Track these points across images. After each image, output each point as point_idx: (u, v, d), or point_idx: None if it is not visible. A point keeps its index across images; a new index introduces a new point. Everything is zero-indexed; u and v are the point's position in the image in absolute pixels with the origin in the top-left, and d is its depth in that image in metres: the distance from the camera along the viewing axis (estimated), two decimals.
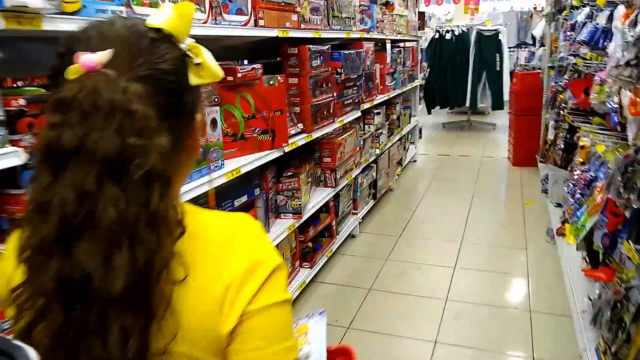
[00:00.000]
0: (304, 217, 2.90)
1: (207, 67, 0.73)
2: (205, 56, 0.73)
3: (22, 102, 1.24)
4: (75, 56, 0.63)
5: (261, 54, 2.85)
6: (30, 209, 0.60)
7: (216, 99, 2.16)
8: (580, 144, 2.87)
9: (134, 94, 0.62)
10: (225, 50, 2.70)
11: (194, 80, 0.72)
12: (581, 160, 2.76)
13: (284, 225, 2.71)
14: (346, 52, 3.42)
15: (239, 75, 2.17)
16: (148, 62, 0.67)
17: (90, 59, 0.63)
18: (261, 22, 2.30)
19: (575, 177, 2.61)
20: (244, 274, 0.68)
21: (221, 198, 2.17)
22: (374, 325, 2.78)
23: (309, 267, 3.13)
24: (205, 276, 0.67)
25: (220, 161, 2.05)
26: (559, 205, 3.85)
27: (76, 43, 0.67)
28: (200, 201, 2.04)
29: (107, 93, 0.60)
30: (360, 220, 4.12)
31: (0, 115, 1.18)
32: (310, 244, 3.18)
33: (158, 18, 0.70)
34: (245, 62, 2.79)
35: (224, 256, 0.69)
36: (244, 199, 2.39)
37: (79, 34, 0.69)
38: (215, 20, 2.00)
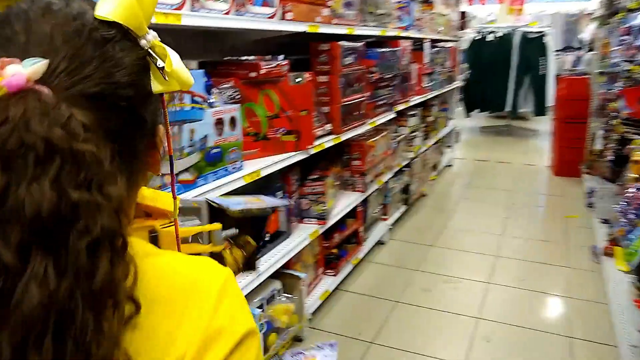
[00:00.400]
0: (329, 223, 2.75)
1: (174, 72, 0.56)
2: (171, 57, 0.56)
3: None
4: None
5: (291, 49, 2.71)
6: None
7: (237, 96, 2.03)
8: (634, 157, 2.62)
9: (81, 127, 0.45)
10: (253, 44, 2.57)
11: (156, 87, 0.56)
12: (635, 175, 2.52)
13: (306, 231, 2.57)
14: (381, 50, 3.25)
15: (263, 71, 2.03)
16: (99, 72, 0.50)
17: (18, 74, 0.44)
18: (289, 16, 2.16)
19: (629, 194, 2.37)
20: (200, 345, 0.51)
21: None
22: (399, 341, 2.60)
23: (333, 275, 2.98)
24: (155, 346, 0.50)
25: (238, 162, 1.91)
26: (605, 221, 3.57)
27: None
28: None
29: (41, 127, 0.43)
30: (390, 227, 3.94)
31: None
32: (335, 251, 3.03)
33: (109, 6, 0.52)
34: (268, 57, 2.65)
35: (177, 321, 0.51)
36: None
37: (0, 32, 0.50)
38: (239, 11, 1.87)
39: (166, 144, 0.65)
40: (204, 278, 0.55)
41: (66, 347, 0.41)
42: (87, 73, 0.49)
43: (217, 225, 1.06)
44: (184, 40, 2.19)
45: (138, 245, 0.51)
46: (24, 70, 0.45)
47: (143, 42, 0.54)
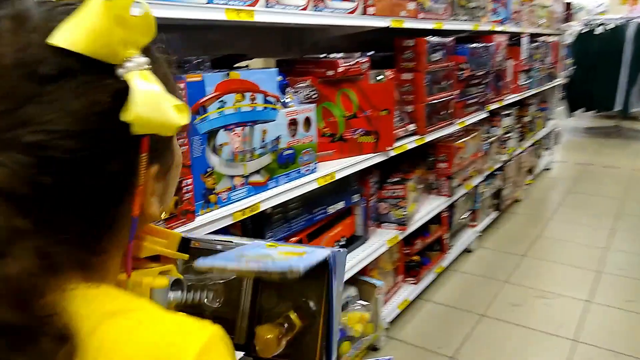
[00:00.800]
0: (410, 229, 2.61)
1: (139, 115, 0.44)
2: (148, 92, 0.44)
3: None
4: None
5: (377, 46, 2.60)
6: None
7: (314, 96, 1.96)
8: None
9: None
10: (336, 41, 2.49)
11: (135, 128, 0.44)
12: None
13: (384, 237, 2.45)
14: (473, 45, 3.04)
15: (340, 69, 1.94)
16: (39, 117, 0.40)
17: None
18: (371, 11, 2.05)
19: None
20: None
21: (313, 204, 1.97)
22: (482, 357, 2.41)
23: (413, 283, 2.84)
24: None
25: (312, 164, 1.84)
26: None
27: None
28: (289, 206, 1.87)
29: None
30: (479, 234, 3.70)
31: None
32: (416, 258, 2.88)
33: (69, 31, 0.41)
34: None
35: None
36: (340, 205, 2.16)
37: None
38: (316, 7, 1.80)
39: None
40: (178, 342, 0.43)
41: None
42: (22, 118, 0.40)
43: (162, 282, 0.64)
44: (262, 37, 2.16)
45: (104, 301, 0.43)
46: None
47: (120, 71, 0.44)
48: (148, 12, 0.45)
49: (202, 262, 0.65)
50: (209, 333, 0.45)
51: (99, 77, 0.43)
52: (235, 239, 0.82)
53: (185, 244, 0.76)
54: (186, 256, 0.70)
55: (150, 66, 0.46)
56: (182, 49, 1.87)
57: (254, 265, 0.66)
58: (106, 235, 0.48)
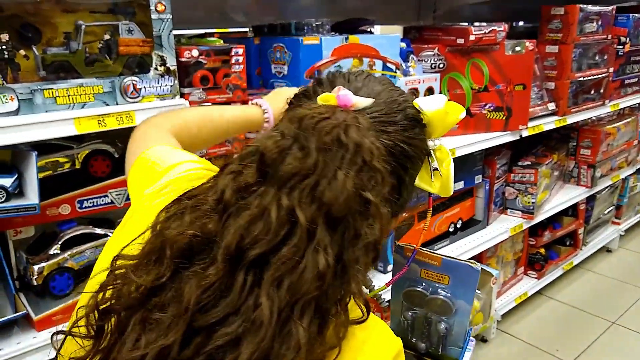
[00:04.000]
0: (537, 219, 2.38)
1: (443, 179, 0.69)
2: (449, 167, 0.69)
3: (195, 53, 1.16)
4: (335, 89, 0.62)
5: (520, 17, 2.36)
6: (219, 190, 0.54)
7: (441, 65, 1.84)
8: None
9: (380, 152, 0.55)
10: (471, 9, 2.31)
11: (419, 180, 0.69)
12: None
13: (508, 224, 2.26)
14: (639, 15, 2.62)
15: (472, 37, 1.78)
16: (396, 134, 0.62)
17: (349, 96, 0.61)
18: None
19: None
20: None
21: None
22: None
23: (535, 277, 2.61)
24: None
25: None
26: None
27: (339, 79, 0.66)
28: None
29: (356, 135, 0.54)
30: (622, 233, 3.28)
31: (172, 65, 1.12)
32: (542, 251, 2.63)
33: (426, 103, 0.67)
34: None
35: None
36: (460, 185, 2.03)
37: (346, 74, 0.68)
38: None
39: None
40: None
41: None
42: (388, 129, 0.62)
43: None
44: (393, 2, 2.06)
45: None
46: (353, 97, 0.61)
47: (430, 143, 0.67)
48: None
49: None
50: (400, 344, 0.59)
51: (424, 137, 0.68)
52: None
53: None
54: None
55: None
56: (308, 10, 1.86)
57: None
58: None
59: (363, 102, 0.61)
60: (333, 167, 0.51)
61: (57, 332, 0.56)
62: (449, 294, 0.86)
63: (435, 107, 0.66)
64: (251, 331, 0.46)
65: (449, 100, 0.67)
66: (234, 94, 1.29)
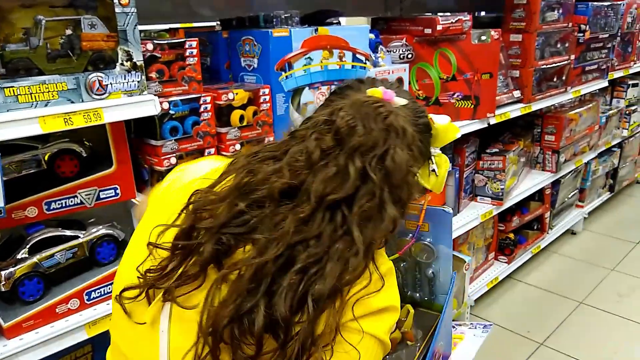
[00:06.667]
0: (506, 205, 2.43)
1: (438, 179, 0.87)
2: (445, 171, 0.87)
3: (149, 46, 1.14)
4: (378, 87, 0.79)
5: (483, 7, 2.40)
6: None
7: (409, 56, 1.85)
8: None
9: (415, 139, 0.74)
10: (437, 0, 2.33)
11: (419, 178, 0.84)
12: None
13: (478, 211, 2.30)
14: (597, 4, 2.70)
15: (439, 27, 1.80)
16: (416, 128, 0.78)
17: (392, 94, 0.78)
18: None
19: None
20: None
21: None
22: (576, 349, 2.22)
23: (506, 262, 2.67)
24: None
25: None
26: None
27: (378, 83, 0.82)
28: None
29: (402, 121, 0.72)
30: (586, 216, 3.39)
31: (138, 60, 1.09)
32: (511, 236, 2.69)
33: (438, 118, 0.86)
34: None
35: None
36: None
37: (383, 81, 0.84)
38: None
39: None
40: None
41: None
42: (414, 129, 0.76)
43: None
44: None
45: (381, 260, 0.72)
46: (394, 95, 0.78)
47: (431, 150, 0.86)
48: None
49: None
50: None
51: (428, 144, 0.86)
52: None
53: None
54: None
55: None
56: (275, 2, 1.83)
57: None
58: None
59: (400, 101, 0.78)
60: (392, 144, 0.68)
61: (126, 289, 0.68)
62: (431, 240, 1.06)
63: (443, 122, 0.85)
64: (329, 253, 0.62)
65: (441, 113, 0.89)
66: (189, 86, 1.28)
